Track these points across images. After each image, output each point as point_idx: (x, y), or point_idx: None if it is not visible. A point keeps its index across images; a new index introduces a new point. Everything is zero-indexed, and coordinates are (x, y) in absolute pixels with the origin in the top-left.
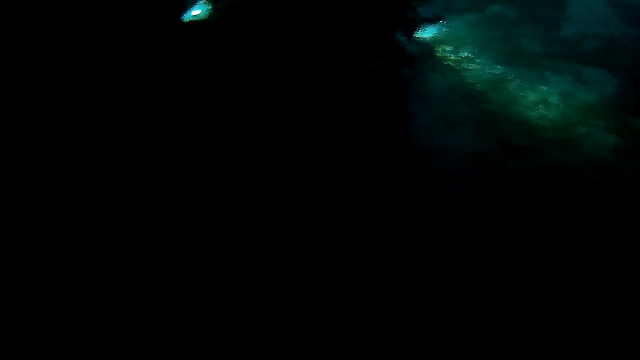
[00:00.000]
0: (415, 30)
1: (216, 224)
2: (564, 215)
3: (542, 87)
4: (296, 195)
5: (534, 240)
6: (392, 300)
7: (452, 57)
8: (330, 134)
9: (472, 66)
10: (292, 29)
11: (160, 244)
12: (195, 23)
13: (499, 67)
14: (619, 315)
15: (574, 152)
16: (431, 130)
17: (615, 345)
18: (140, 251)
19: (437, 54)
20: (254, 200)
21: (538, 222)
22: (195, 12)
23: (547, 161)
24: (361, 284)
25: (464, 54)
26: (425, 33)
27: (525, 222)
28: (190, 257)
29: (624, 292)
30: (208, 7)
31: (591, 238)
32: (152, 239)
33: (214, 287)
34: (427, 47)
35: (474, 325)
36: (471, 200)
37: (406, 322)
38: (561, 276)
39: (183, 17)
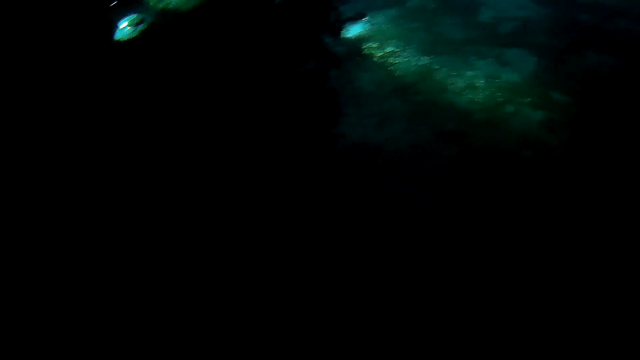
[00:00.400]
0: (340, 30)
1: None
2: (501, 193)
3: (468, 72)
4: (228, 205)
5: (474, 225)
6: (325, 299)
7: (378, 53)
8: (263, 141)
9: (398, 60)
10: (220, 42)
11: (155, 245)
12: (123, 42)
13: (425, 57)
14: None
15: (504, 131)
16: (364, 127)
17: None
18: (140, 252)
19: (363, 52)
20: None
21: (477, 204)
22: (123, 24)
23: (480, 143)
24: (292, 286)
25: (389, 49)
26: (350, 32)
27: (464, 207)
28: (183, 258)
29: (565, 268)
30: (136, 25)
31: (528, 213)
32: (148, 240)
33: (212, 287)
34: (353, 46)
35: (408, 324)
36: (409, 192)
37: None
38: (501, 258)
39: (114, 35)
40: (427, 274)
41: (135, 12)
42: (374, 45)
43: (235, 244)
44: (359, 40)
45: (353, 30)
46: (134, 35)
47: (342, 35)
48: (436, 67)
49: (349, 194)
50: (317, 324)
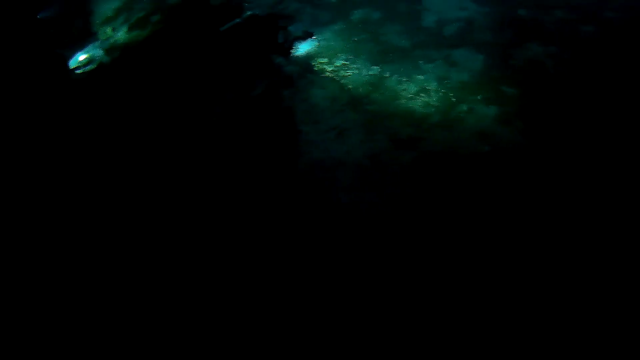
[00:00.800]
0: (289, 50)
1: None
2: (463, 191)
3: (419, 76)
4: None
5: (438, 227)
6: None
7: (329, 68)
8: (226, 166)
9: (349, 72)
10: (173, 73)
11: (156, 246)
12: (82, 69)
13: (375, 67)
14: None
15: (460, 129)
16: (322, 142)
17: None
18: (140, 252)
19: (314, 69)
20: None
21: (439, 205)
22: (82, 57)
23: (437, 144)
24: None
25: (339, 63)
26: (300, 51)
27: (426, 210)
28: (181, 259)
29: (528, 260)
30: (87, 63)
31: (490, 208)
32: (149, 241)
33: (211, 287)
34: (304, 64)
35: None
36: (373, 201)
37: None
38: (463, 256)
39: (69, 63)
40: (390, 282)
41: (87, 48)
42: (323, 61)
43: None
44: (309, 58)
45: (302, 48)
46: (88, 70)
47: (292, 55)
48: (387, 75)
49: (313, 212)
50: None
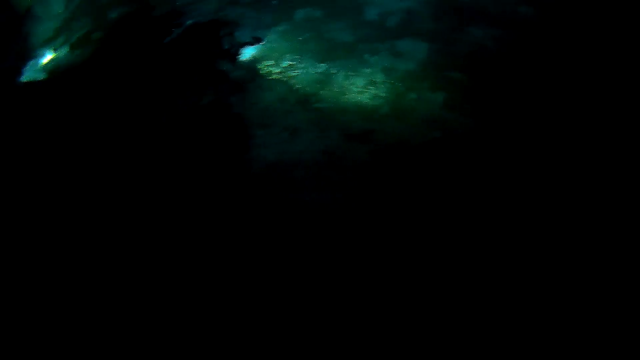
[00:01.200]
0: (236, 56)
1: None
2: (418, 180)
3: (366, 70)
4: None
5: (397, 219)
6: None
7: (276, 70)
8: (177, 175)
9: (296, 72)
10: (123, 84)
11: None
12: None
13: (322, 64)
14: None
15: (410, 118)
16: (276, 144)
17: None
18: (141, 253)
19: (261, 72)
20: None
21: (397, 197)
22: (24, 79)
23: (390, 135)
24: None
25: (285, 63)
26: (246, 55)
27: (386, 203)
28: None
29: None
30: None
31: (445, 195)
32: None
33: (211, 287)
34: (251, 68)
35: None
36: (332, 199)
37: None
38: (419, 247)
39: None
40: (353, 278)
41: (26, 72)
42: (270, 63)
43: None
44: (255, 61)
45: (248, 53)
46: (30, 92)
47: (238, 60)
48: (334, 71)
49: (272, 214)
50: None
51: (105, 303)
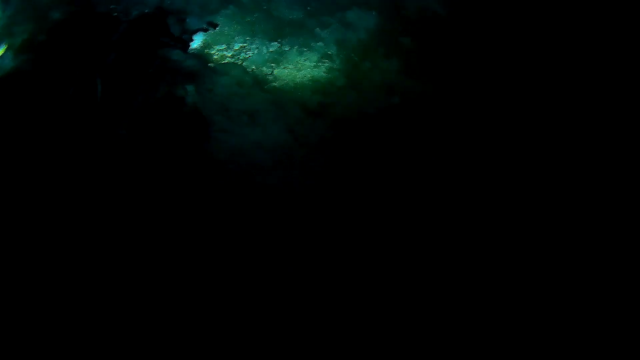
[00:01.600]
0: (187, 44)
1: None
2: (380, 149)
3: (318, 44)
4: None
5: (363, 192)
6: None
7: (229, 54)
8: (140, 169)
9: (249, 54)
10: (73, 85)
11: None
12: None
13: (274, 43)
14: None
15: (368, 87)
16: (236, 128)
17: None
18: (141, 253)
19: (214, 57)
20: None
21: (361, 169)
22: None
23: (349, 106)
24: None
25: (237, 46)
26: (196, 42)
27: (351, 177)
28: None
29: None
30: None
31: (408, 161)
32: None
33: (213, 287)
34: (203, 55)
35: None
36: (296, 177)
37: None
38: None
39: None
40: (324, 257)
41: None
42: (222, 48)
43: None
44: (206, 47)
45: (198, 40)
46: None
47: (189, 48)
48: (286, 48)
49: (240, 199)
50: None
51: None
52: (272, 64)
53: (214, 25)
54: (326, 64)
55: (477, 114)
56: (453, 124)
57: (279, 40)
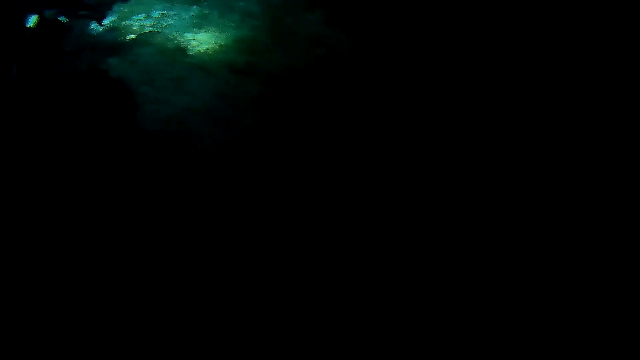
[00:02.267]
0: (103, 17)
1: None
2: (311, 103)
3: (240, 3)
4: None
5: (297, 149)
6: None
7: (149, 23)
8: (74, 149)
9: (170, 21)
10: None
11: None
12: None
13: (194, 7)
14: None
15: (293, 40)
16: (165, 96)
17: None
18: (141, 252)
19: (134, 28)
20: None
21: (294, 125)
22: None
23: (276, 62)
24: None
25: (157, 14)
26: (114, 15)
27: (284, 134)
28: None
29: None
30: None
31: (336, 111)
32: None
33: (213, 287)
34: (122, 27)
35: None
36: (231, 140)
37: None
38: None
39: None
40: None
41: None
42: (141, 17)
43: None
44: (124, 18)
45: (115, 12)
46: None
47: (107, 21)
48: (207, 11)
49: (177, 168)
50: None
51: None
52: (195, 28)
53: None
54: (249, 23)
55: (403, 60)
56: (381, 71)
57: (199, 3)
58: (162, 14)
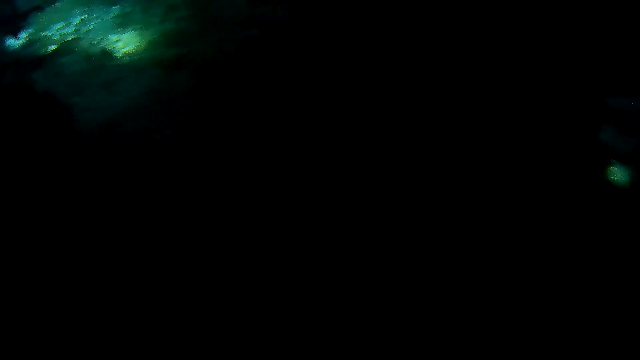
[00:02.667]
0: (19, 29)
1: None
2: (242, 83)
3: None
4: None
5: (227, 132)
6: None
7: (69, 30)
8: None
9: (91, 25)
10: None
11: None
12: None
13: (114, 7)
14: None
15: (222, 25)
16: (98, 103)
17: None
18: (141, 251)
19: (54, 37)
20: None
21: (223, 108)
22: None
23: (204, 50)
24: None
25: (77, 19)
26: (30, 26)
27: (216, 118)
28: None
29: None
30: None
31: (270, 90)
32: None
33: (214, 287)
34: (41, 37)
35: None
36: (164, 137)
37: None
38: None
39: None
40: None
41: None
42: (61, 25)
43: None
44: (43, 29)
45: (32, 23)
46: None
47: (25, 33)
48: (129, 9)
49: (115, 174)
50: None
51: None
52: (119, 29)
53: (47, 4)
54: (174, 15)
55: (336, 33)
56: (316, 46)
57: (119, 3)
58: (82, 19)
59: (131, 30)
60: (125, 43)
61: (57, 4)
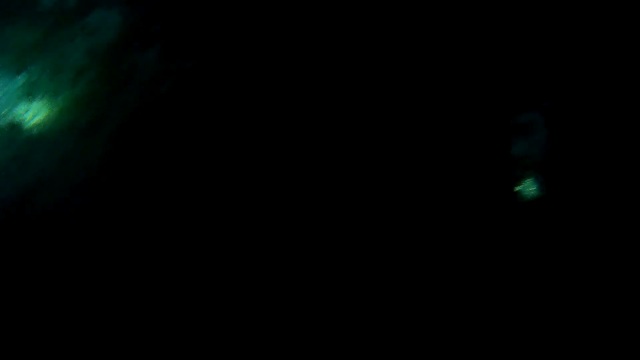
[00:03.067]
0: None
1: None
2: (167, 139)
3: (67, 61)
4: None
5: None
6: None
7: None
8: None
9: None
10: None
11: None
12: None
13: (19, 76)
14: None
15: (136, 82)
16: (10, 182)
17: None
18: (141, 251)
19: None
20: None
21: (145, 169)
22: None
23: (120, 110)
24: None
25: None
26: None
27: (135, 181)
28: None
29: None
30: None
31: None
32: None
33: (215, 286)
34: None
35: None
36: (89, 204)
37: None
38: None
39: None
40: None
41: None
42: None
43: None
44: None
45: None
46: None
47: None
48: (35, 77)
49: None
50: None
51: None
52: (27, 98)
53: None
54: (84, 78)
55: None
56: (230, 92)
57: (24, 70)
58: None
59: (40, 99)
60: (35, 113)
61: None
